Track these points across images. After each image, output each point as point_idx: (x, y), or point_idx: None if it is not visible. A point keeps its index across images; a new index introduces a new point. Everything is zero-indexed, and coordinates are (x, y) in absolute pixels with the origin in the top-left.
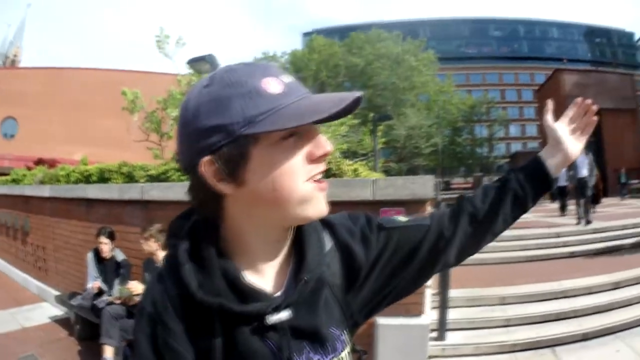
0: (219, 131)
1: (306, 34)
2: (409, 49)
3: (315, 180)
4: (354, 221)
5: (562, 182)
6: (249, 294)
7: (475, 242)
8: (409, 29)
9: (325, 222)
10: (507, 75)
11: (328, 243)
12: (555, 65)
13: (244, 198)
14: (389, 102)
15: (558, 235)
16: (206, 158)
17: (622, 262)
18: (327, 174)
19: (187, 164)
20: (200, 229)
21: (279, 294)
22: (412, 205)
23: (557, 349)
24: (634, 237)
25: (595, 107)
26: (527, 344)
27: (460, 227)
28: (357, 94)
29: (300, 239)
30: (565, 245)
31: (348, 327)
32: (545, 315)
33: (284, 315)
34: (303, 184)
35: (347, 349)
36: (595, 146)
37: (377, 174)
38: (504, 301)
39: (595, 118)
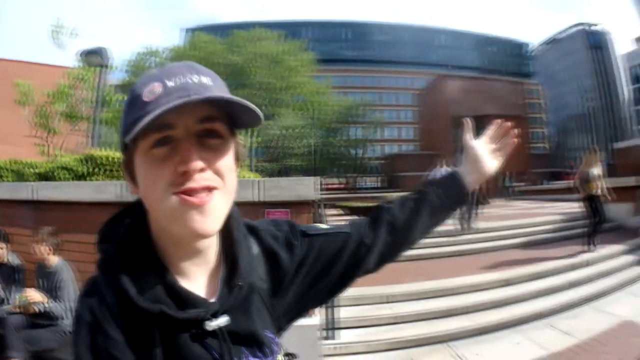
0: (122, 136)
1: (189, 30)
2: (289, 49)
3: (183, 195)
4: (278, 227)
5: None
6: (186, 300)
7: (393, 250)
8: (292, 30)
9: (250, 228)
10: (386, 78)
11: (254, 248)
12: (440, 70)
13: (145, 200)
14: (265, 102)
15: (446, 235)
16: (124, 156)
17: (509, 260)
18: None
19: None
20: (135, 233)
21: (213, 300)
22: (296, 206)
23: (452, 343)
24: (519, 237)
25: (515, 131)
26: (421, 339)
27: (380, 235)
28: (179, 102)
29: (230, 244)
30: (452, 244)
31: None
32: (436, 312)
33: (222, 320)
34: (166, 197)
35: (282, 352)
36: None
37: (253, 174)
38: (391, 299)
39: (515, 140)
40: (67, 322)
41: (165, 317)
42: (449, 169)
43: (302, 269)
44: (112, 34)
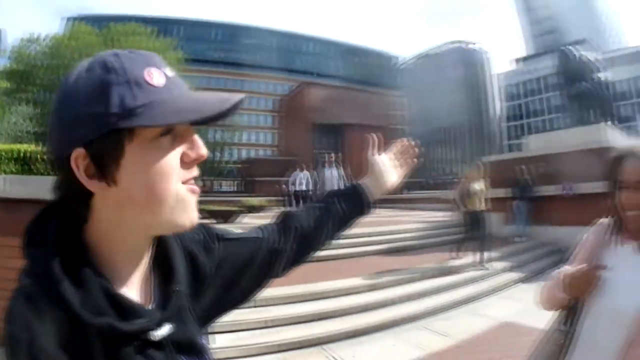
0: (94, 121)
1: (70, 19)
2: (160, 46)
3: (189, 184)
4: (196, 230)
5: (302, 187)
6: (129, 309)
7: (299, 256)
8: (164, 27)
9: None
10: (249, 82)
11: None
12: (305, 78)
13: (114, 199)
14: None
15: None
16: (79, 150)
17: (376, 265)
18: None
19: (58, 156)
20: (66, 235)
21: (150, 307)
22: None
23: (327, 346)
24: (384, 243)
25: (417, 150)
26: (295, 343)
27: (288, 242)
28: (240, 96)
29: (163, 247)
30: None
31: None
32: (309, 315)
33: (166, 330)
34: (177, 186)
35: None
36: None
37: None
38: (263, 303)
39: (416, 160)
40: None
41: (111, 330)
42: (351, 181)
43: (219, 273)
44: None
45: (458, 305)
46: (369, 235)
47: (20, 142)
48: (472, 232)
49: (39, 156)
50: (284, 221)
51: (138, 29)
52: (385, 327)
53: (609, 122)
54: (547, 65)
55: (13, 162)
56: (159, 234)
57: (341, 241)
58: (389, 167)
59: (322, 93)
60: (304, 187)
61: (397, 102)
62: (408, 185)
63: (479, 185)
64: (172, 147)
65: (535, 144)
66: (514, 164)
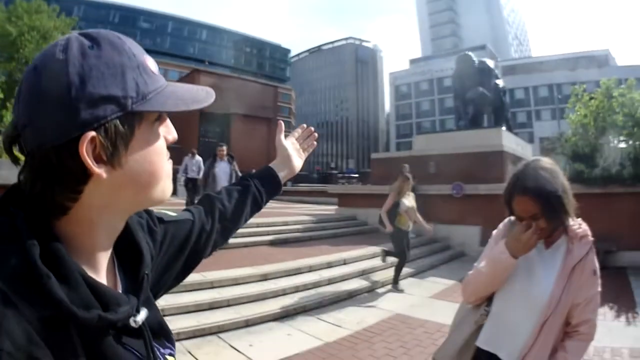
0: (111, 103)
1: None
2: (60, 25)
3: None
4: (139, 214)
5: (194, 174)
6: (111, 299)
7: (223, 236)
8: (66, 5)
9: None
10: None
11: None
12: (196, 65)
13: (113, 182)
14: None
15: None
16: (91, 133)
17: (265, 255)
18: None
19: (53, 139)
20: (35, 227)
21: (119, 291)
22: None
23: (223, 335)
24: (271, 234)
25: (316, 134)
26: (190, 332)
27: (214, 222)
28: (212, 91)
29: (127, 230)
30: None
31: None
32: (200, 305)
33: (143, 315)
34: (166, 165)
35: None
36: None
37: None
38: None
39: (315, 143)
40: None
41: (101, 322)
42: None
43: (159, 255)
44: None
45: (349, 297)
46: (257, 225)
47: None
48: (399, 254)
49: None
50: (209, 203)
51: (42, 7)
52: (278, 317)
53: (504, 127)
54: (442, 67)
55: None
56: (139, 210)
57: None
58: (294, 151)
59: (211, 81)
60: (195, 175)
61: (284, 94)
62: (294, 178)
63: (409, 202)
64: (159, 129)
65: (424, 144)
66: (401, 163)
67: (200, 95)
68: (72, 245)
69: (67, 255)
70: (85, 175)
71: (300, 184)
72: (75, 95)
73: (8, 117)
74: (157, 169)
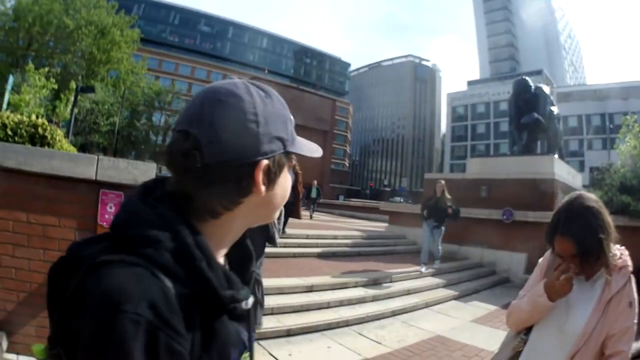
0: (280, 142)
1: None
2: (118, 22)
3: None
4: None
5: None
6: (236, 282)
7: None
8: (125, 3)
9: None
10: (199, 70)
11: None
12: (255, 72)
13: (259, 201)
14: (83, 72)
15: None
16: (266, 161)
17: (312, 267)
18: (41, 142)
19: (235, 158)
20: (183, 219)
21: None
22: (130, 190)
23: (263, 342)
24: (319, 247)
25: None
26: None
27: None
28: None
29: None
30: None
31: None
32: None
33: (251, 300)
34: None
35: None
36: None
37: (73, 147)
38: None
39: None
40: None
41: (233, 300)
42: None
43: None
44: None
45: (392, 315)
46: (307, 237)
47: None
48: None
49: None
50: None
51: (100, 2)
52: (320, 329)
53: (556, 155)
54: (499, 91)
55: None
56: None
57: (281, 240)
58: None
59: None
60: None
61: (342, 108)
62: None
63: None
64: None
65: (477, 168)
66: (454, 185)
67: (314, 148)
68: (208, 241)
69: (208, 246)
70: (249, 191)
71: (353, 199)
72: (261, 130)
73: (61, 107)
74: (286, 195)
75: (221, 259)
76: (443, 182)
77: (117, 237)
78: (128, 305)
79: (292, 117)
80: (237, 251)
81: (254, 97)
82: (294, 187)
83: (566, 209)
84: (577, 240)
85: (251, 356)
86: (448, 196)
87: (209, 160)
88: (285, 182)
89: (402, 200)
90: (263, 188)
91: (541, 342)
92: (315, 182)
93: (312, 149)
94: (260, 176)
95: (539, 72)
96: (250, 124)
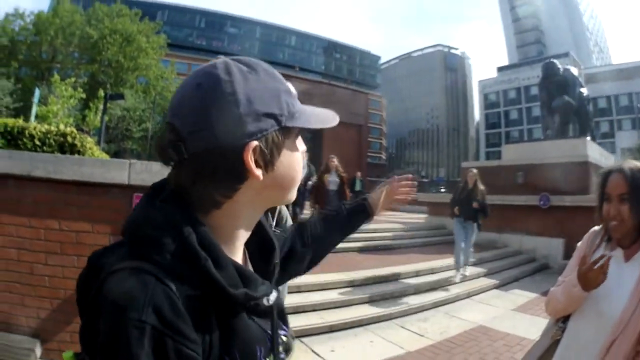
0: (271, 119)
1: None
2: (143, 29)
3: None
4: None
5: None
6: (252, 279)
7: (314, 258)
8: (149, 10)
9: None
10: None
11: None
12: (286, 71)
13: (262, 183)
14: (111, 80)
15: None
16: (255, 142)
17: (353, 262)
18: (71, 150)
19: (223, 144)
20: (188, 216)
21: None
22: None
23: (305, 339)
24: (361, 241)
25: (414, 190)
26: None
27: (307, 244)
28: (337, 116)
29: (259, 226)
30: None
31: None
32: (287, 308)
33: (274, 296)
34: (300, 172)
35: None
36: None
37: (105, 154)
38: None
39: (414, 195)
40: None
41: (247, 298)
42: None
43: None
44: None
45: (434, 307)
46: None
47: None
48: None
49: (26, 131)
50: (304, 226)
51: (123, 11)
52: (362, 324)
53: (588, 137)
54: (529, 75)
55: None
56: (272, 207)
57: None
58: (391, 196)
59: (302, 87)
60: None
61: (375, 101)
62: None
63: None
64: (298, 142)
65: (512, 154)
66: (490, 172)
67: (329, 116)
68: (218, 234)
69: (216, 242)
70: (244, 176)
71: None
72: (244, 110)
73: (91, 116)
74: (295, 174)
75: (238, 252)
76: (475, 170)
77: (130, 243)
78: (134, 312)
79: (289, 87)
80: (257, 241)
81: (232, 76)
82: (341, 191)
83: (615, 164)
84: (631, 178)
85: (274, 352)
86: (481, 187)
87: (194, 149)
88: (291, 160)
89: (444, 190)
90: (259, 172)
91: (580, 329)
92: (359, 173)
93: (322, 119)
94: (250, 159)
95: (565, 55)
96: (230, 106)
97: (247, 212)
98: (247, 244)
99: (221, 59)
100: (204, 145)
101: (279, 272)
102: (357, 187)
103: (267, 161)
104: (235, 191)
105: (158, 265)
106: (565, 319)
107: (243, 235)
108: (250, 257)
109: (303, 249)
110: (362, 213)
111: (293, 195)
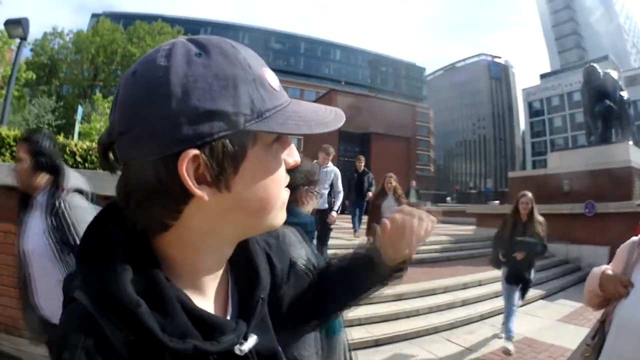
0: (219, 119)
1: (95, 15)
2: None
3: (286, 188)
4: (269, 234)
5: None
6: (214, 326)
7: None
8: (192, 28)
9: None
10: None
11: None
12: (332, 85)
13: (219, 206)
14: None
15: (344, 247)
16: (193, 151)
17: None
18: None
19: (149, 152)
20: (132, 246)
21: (229, 316)
22: None
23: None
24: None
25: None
26: None
27: (319, 286)
28: (342, 114)
29: (244, 249)
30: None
31: None
32: None
33: (251, 342)
34: (282, 191)
35: None
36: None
37: None
38: None
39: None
40: None
41: (197, 353)
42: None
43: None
44: (26, 8)
45: (480, 319)
46: None
47: None
48: None
49: (67, 148)
50: (327, 265)
51: (165, 29)
52: (409, 338)
53: (631, 142)
54: (571, 81)
55: None
56: (251, 235)
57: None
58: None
59: (349, 101)
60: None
61: (422, 113)
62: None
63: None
64: (278, 153)
65: (557, 162)
66: (536, 181)
67: (326, 117)
68: (174, 268)
69: (165, 280)
70: (186, 195)
71: (440, 204)
72: (177, 107)
73: None
74: (270, 195)
75: (207, 288)
76: (530, 195)
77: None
78: (66, 353)
79: (261, 75)
80: (243, 272)
81: (171, 59)
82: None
83: None
84: None
85: None
86: (539, 218)
87: (122, 157)
88: (258, 176)
89: (498, 202)
90: (198, 190)
91: (618, 345)
92: (414, 182)
93: (308, 122)
94: (185, 173)
95: (605, 58)
96: (159, 101)
97: (210, 242)
98: (236, 273)
99: (172, 40)
100: (132, 151)
101: (290, 323)
102: (413, 197)
103: (216, 177)
104: (178, 213)
105: (95, 302)
106: (594, 335)
107: (212, 269)
108: (240, 288)
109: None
110: (369, 266)
111: (271, 221)
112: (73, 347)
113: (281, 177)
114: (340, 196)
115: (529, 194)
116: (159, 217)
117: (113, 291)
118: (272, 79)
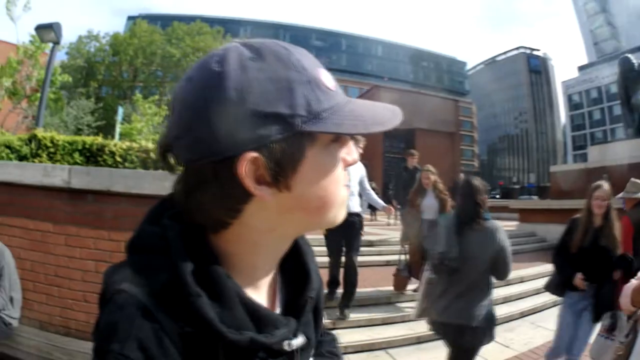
0: (277, 122)
1: (131, 18)
2: None
3: (346, 186)
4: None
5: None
6: (268, 320)
7: None
8: (231, 27)
9: None
10: None
11: None
12: (374, 81)
13: (279, 205)
14: None
15: (371, 244)
16: (252, 154)
17: None
18: (154, 166)
19: (208, 155)
20: (191, 241)
21: (277, 312)
22: None
23: (392, 351)
24: None
25: None
26: (358, 346)
27: None
28: (400, 112)
29: (296, 249)
30: (380, 254)
31: None
32: (371, 320)
33: (300, 340)
34: (341, 189)
35: None
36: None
37: None
38: (329, 305)
39: None
40: (7, 313)
41: (253, 344)
42: None
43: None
44: (59, 13)
45: (520, 317)
46: None
47: (80, 135)
48: None
49: (106, 148)
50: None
51: (204, 29)
52: None
53: None
54: (608, 73)
55: (77, 153)
56: (309, 232)
57: (393, 247)
58: None
59: (392, 97)
60: (355, 206)
61: (465, 108)
62: None
63: None
64: (337, 152)
65: (597, 156)
66: (577, 175)
67: (384, 116)
68: (232, 263)
69: (225, 273)
70: (246, 195)
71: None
72: (233, 111)
73: None
74: (330, 194)
75: (261, 284)
76: (607, 186)
77: (128, 264)
78: (115, 344)
79: (317, 76)
80: (292, 270)
81: (226, 65)
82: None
83: None
84: None
85: None
86: (616, 222)
87: (182, 159)
88: (317, 176)
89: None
90: (262, 190)
91: None
92: (462, 176)
93: (365, 121)
94: (246, 175)
95: (639, 49)
96: (215, 105)
97: (270, 240)
98: (284, 269)
99: (227, 45)
100: (190, 154)
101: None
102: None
103: (275, 177)
104: (238, 212)
105: (150, 294)
106: (628, 334)
107: (267, 265)
108: (287, 286)
109: None
110: None
111: (332, 219)
112: (123, 338)
113: (340, 176)
114: (373, 194)
115: (606, 186)
116: (218, 215)
117: (173, 282)
118: (327, 79)
